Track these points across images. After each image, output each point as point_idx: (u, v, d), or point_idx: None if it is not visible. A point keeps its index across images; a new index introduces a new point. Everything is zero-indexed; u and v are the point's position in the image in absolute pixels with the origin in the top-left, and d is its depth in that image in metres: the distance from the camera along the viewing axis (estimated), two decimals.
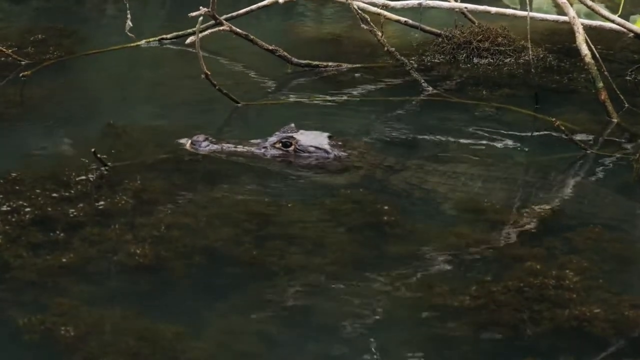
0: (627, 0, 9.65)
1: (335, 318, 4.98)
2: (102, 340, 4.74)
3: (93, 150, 6.21)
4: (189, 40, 8.16)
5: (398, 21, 8.72)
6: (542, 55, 8.62)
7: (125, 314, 4.95)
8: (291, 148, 6.65)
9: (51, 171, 6.22)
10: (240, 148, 6.67)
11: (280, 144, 6.65)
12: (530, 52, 8.13)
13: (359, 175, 6.49)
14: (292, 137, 6.69)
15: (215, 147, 6.64)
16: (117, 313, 4.95)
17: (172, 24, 9.31)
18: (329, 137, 6.72)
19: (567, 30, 7.95)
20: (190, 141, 6.67)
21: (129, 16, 7.40)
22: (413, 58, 8.72)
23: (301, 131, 6.75)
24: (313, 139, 6.70)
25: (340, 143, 6.69)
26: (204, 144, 6.63)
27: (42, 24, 9.73)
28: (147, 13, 10.33)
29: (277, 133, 6.71)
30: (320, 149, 6.65)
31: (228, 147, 6.66)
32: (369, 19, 7.81)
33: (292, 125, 6.80)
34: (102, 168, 6.26)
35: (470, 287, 5.14)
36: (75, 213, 5.77)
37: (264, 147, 6.66)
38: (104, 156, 6.31)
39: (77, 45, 8.98)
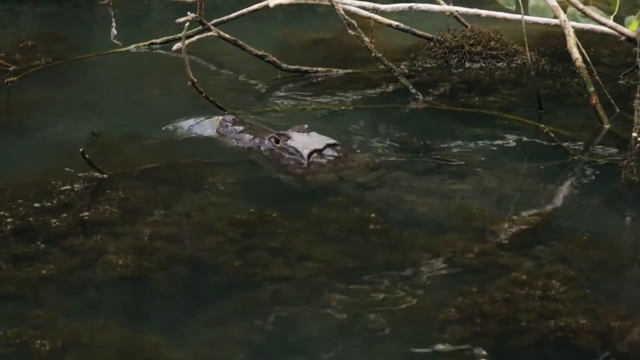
0: (623, 2, 9.60)
1: (319, 329, 4.93)
2: (80, 352, 4.70)
3: (81, 150, 6.14)
4: (175, 46, 8.09)
5: (389, 25, 8.64)
6: (534, 59, 8.55)
7: (104, 325, 4.90)
8: (279, 145, 6.69)
9: (34, 180, 6.18)
10: (246, 135, 6.88)
11: (274, 139, 6.73)
12: (529, 56, 8.05)
13: (319, 187, 6.44)
14: (284, 134, 6.73)
15: (229, 128, 6.94)
16: (96, 324, 4.90)
17: (164, 28, 9.25)
18: (332, 146, 6.68)
19: (561, 34, 7.88)
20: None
21: (113, 24, 7.33)
22: (404, 63, 8.65)
23: (302, 131, 6.77)
24: (302, 142, 6.67)
25: (340, 155, 6.64)
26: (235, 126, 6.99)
27: (33, 30, 9.68)
28: (139, 18, 10.27)
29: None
30: (297, 153, 6.63)
31: (237, 130, 6.94)
32: (356, 24, 7.73)
33: (306, 126, 6.85)
34: (95, 173, 6.21)
35: (456, 298, 5.07)
36: (57, 223, 5.72)
37: (262, 139, 6.80)
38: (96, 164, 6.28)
39: (68, 52, 8.92)
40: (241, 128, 6.99)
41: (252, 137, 6.88)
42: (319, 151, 6.65)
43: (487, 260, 5.44)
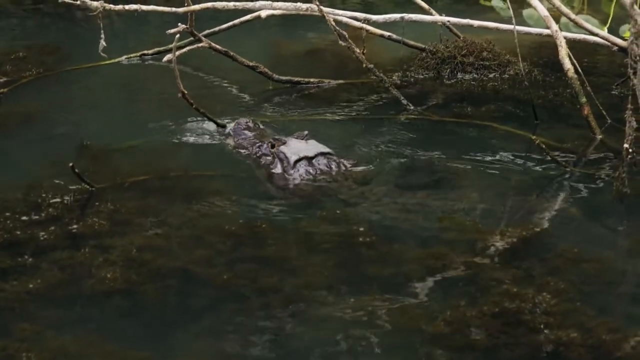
0: (618, 10, 9.59)
1: (308, 342, 4.89)
2: None
3: (71, 165, 6.11)
4: (166, 58, 8.07)
5: (382, 36, 8.62)
6: (527, 70, 8.53)
7: (91, 339, 4.87)
8: (274, 149, 6.74)
9: (23, 193, 6.15)
10: (252, 139, 7.00)
11: (270, 143, 6.79)
12: (521, 66, 8.03)
13: (309, 199, 6.42)
14: (280, 139, 6.77)
15: (240, 130, 7.08)
16: (83, 338, 4.87)
17: (157, 39, 9.22)
18: (325, 154, 6.65)
19: (554, 44, 7.84)
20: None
21: (102, 36, 7.30)
22: (396, 74, 8.63)
23: (301, 138, 6.80)
24: (295, 148, 6.66)
25: (332, 164, 6.61)
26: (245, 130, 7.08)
27: (26, 41, 9.65)
28: (132, 30, 10.25)
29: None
30: (286, 158, 6.63)
31: (247, 133, 7.06)
32: (347, 35, 7.71)
33: (305, 132, 6.89)
34: (85, 186, 6.18)
35: (446, 311, 5.04)
36: (45, 236, 5.69)
37: (262, 144, 6.86)
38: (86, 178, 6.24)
39: (60, 63, 8.91)
40: (251, 133, 7.04)
41: (255, 141, 6.93)
42: (309, 159, 6.63)
43: (477, 273, 5.41)
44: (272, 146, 6.77)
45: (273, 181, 6.61)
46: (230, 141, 7.11)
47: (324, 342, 4.88)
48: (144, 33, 10.00)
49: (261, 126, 7.19)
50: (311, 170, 6.59)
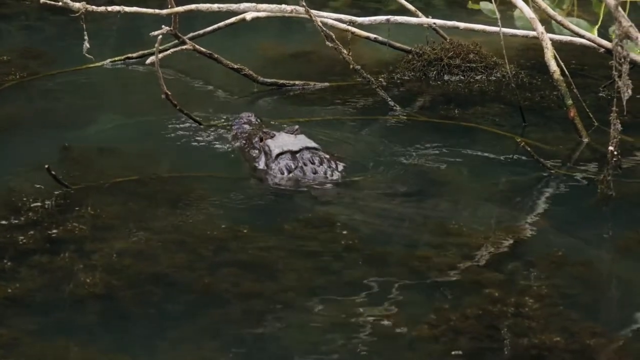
0: (609, 12, 9.54)
1: (289, 347, 4.84)
2: None
3: (47, 167, 6.05)
4: (149, 60, 8.01)
5: (367, 38, 8.58)
6: (514, 72, 8.49)
7: (69, 345, 4.81)
8: (262, 143, 6.74)
9: (3, 197, 6.08)
10: (246, 133, 7.02)
11: (259, 137, 6.80)
12: (508, 68, 8.00)
13: (292, 200, 6.38)
14: (269, 133, 6.78)
15: (239, 124, 7.14)
16: (61, 345, 4.81)
17: (146, 42, 9.16)
18: (310, 149, 6.61)
19: (541, 45, 7.80)
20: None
21: (86, 37, 7.24)
22: (383, 75, 8.58)
23: (290, 132, 6.79)
24: (281, 142, 6.65)
25: (316, 160, 6.57)
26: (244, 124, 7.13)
27: (10, 45, 9.58)
28: (120, 32, 10.19)
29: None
30: (270, 152, 6.60)
31: (245, 127, 7.11)
32: (334, 37, 7.66)
33: (296, 127, 6.88)
34: (65, 189, 6.12)
35: (429, 315, 4.99)
36: (25, 241, 5.63)
37: (253, 137, 6.87)
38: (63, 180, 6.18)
39: (44, 67, 8.82)
40: (249, 127, 7.08)
41: (247, 135, 6.96)
42: (292, 153, 6.59)
43: (460, 276, 5.37)
44: (261, 139, 6.76)
45: (256, 176, 6.59)
46: (230, 135, 7.16)
47: (306, 348, 4.83)
48: (133, 35, 9.95)
49: (261, 122, 7.21)
50: (292, 165, 6.55)
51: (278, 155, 6.60)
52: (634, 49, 6.53)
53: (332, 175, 6.52)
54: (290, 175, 6.53)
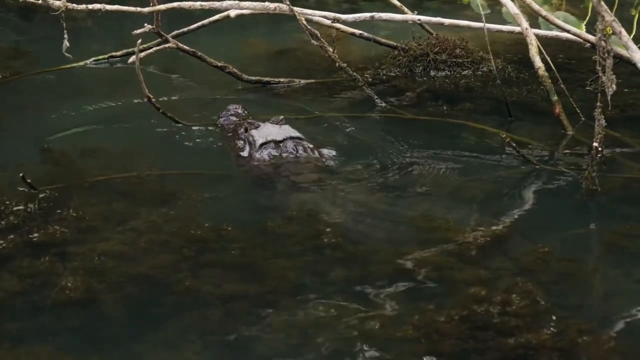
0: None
1: (273, 348, 4.78)
2: None
3: (22, 175, 5.97)
4: (130, 59, 7.94)
5: (353, 34, 8.52)
6: (501, 67, 8.44)
7: (50, 350, 4.75)
8: (246, 133, 6.76)
9: None
10: (233, 124, 7.05)
11: (244, 128, 6.82)
12: (494, 63, 7.95)
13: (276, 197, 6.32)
14: (254, 123, 6.80)
15: (226, 116, 7.21)
16: (41, 349, 4.75)
17: (127, 41, 9.10)
18: (294, 139, 6.57)
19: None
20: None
21: (65, 36, 7.17)
22: (368, 72, 8.53)
23: (275, 123, 6.81)
24: (265, 132, 6.65)
25: (296, 150, 6.53)
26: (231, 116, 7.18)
27: None
28: (104, 31, 10.13)
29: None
30: (254, 142, 6.57)
31: (231, 119, 7.15)
32: (319, 34, 7.59)
33: (281, 117, 6.91)
34: (33, 190, 6.04)
35: (413, 315, 4.93)
36: (4, 245, 5.56)
37: (239, 128, 6.89)
38: (38, 181, 6.10)
39: (27, 66, 8.77)
40: (236, 119, 7.12)
41: (233, 126, 6.98)
42: (276, 142, 6.57)
43: (445, 275, 5.31)
44: (246, 130, 6.76)
45: (240, 166, 6.55)
46: (217, 125, 7.20)
47: (289, 349, 4.77)
48: (118, 34, 9.88)
49: (248, 114, 7.22)
50: (275, 154, 6.53)
51: (262, 145, 6.61)
52: (618, 43, 6.46)
53: (313, 171, 6.47)
54: (274, 163, 6.51)
